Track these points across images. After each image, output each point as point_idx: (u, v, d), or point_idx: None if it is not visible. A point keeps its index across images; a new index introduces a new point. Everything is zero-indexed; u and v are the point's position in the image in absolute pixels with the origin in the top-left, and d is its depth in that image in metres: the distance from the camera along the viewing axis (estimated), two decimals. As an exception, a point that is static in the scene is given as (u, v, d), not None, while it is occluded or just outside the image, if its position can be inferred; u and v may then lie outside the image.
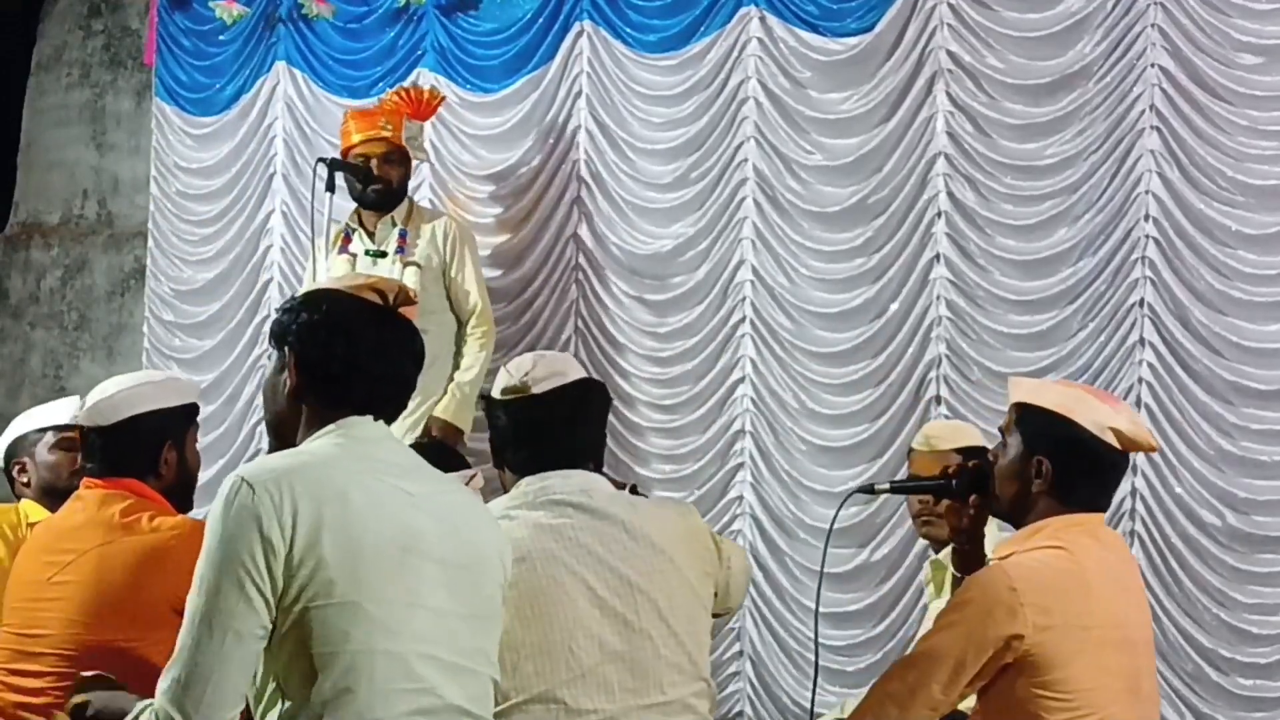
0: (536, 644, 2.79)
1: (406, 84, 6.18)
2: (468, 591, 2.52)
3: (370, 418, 2.55)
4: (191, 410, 3.41)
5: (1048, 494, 2.97)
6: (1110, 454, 2.97)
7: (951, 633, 2.88)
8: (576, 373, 3.06)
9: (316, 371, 2.55)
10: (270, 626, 2.36)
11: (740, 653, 5.78)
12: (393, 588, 2.41)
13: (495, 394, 3.03)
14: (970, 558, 3.16)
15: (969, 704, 3.07)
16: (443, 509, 2.54)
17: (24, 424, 4.21)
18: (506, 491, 3.02)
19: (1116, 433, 2.95)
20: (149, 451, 3.32)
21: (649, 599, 2.87)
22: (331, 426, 2.53)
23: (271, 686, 2.42)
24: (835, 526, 5.48)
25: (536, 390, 2.98)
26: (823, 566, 3.70)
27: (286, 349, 2.58)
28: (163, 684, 2.37)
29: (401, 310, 2.60)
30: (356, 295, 2.59)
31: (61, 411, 4.15)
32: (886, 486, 3.34)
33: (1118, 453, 2.98)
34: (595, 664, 2.81)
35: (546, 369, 3.01)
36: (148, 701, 2.42)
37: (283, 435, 2.60)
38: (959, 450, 4.13)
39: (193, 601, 2.37)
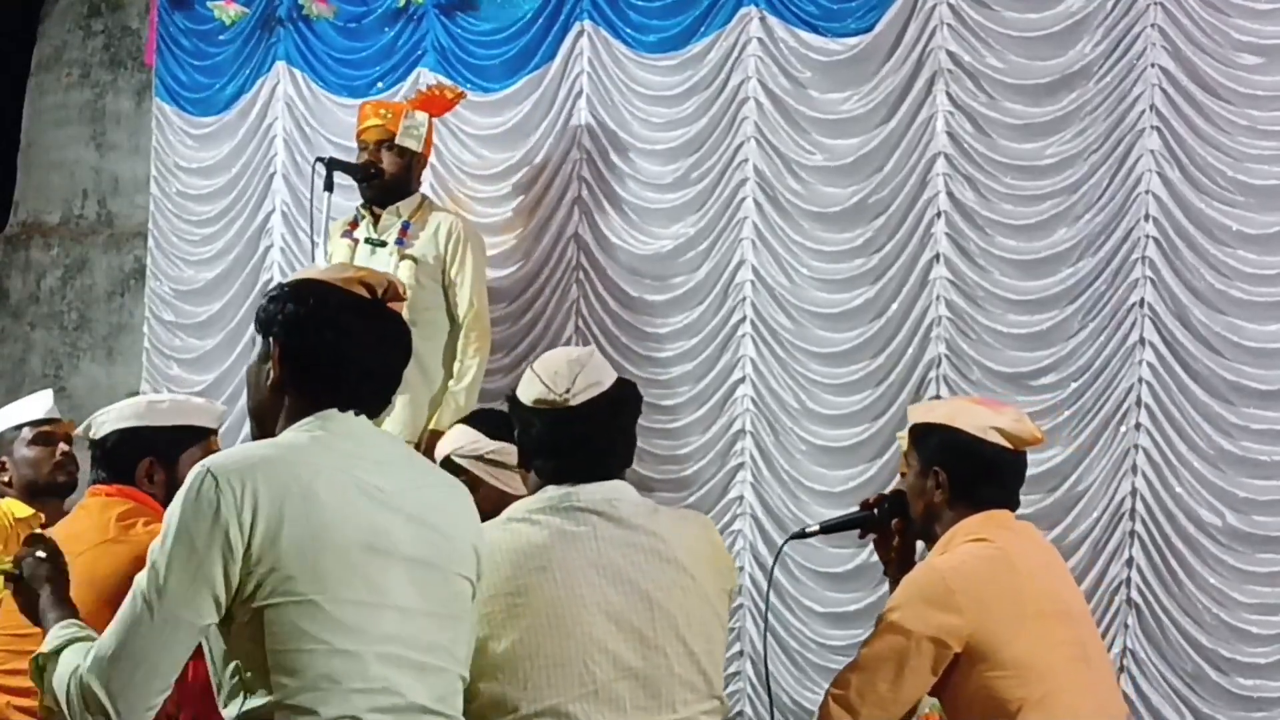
0: (552, 656, 2.76)
1: (420, 85, 6.18)
2: (436, 589, 2.50)
3: (351, 413, 2.52)
4: (195, 432, 3.56)
5: (950, 502, 3.13)
6: (1000, 453, 3.12)
7: (891, 632, 3.00)
8: (610, 378, 2.99)
9: (301, 364, 2.52)
10: (214, 621, 2.35)
11: (740, 653, 5.77)
12: (355, 587, 2.39)
13: (528, 401, 2.93)
14: None
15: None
16: (415, 505, 2.51)
17: None
18: (527, 489, 2.98)
19: (1000, 432, 3.10)
20: (128, 466, 3.47)
21: (667, 614, 2.84)
22: (310, 419, 2.50)
23: (234, 678, 2.41)
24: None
25: (574, 403, 2.90)
26: (766, 604, 3.72)
27: (271, 339, 2.55)
28: (95, 653, 2.37)
29: (390, 305, 2.57)
30: (345, 288, 2.55)
31: (35, 407, 4.14)
32: (816, 528, 3.44)
33: (1008, 451, 3.13)
34: (609, 680, 2.78)
35: (585, 380, 2.93)
36: (76, 663, 2.40)
37: (264, 424, 2.57)
38: None
39: (140, 581, 2.36)
